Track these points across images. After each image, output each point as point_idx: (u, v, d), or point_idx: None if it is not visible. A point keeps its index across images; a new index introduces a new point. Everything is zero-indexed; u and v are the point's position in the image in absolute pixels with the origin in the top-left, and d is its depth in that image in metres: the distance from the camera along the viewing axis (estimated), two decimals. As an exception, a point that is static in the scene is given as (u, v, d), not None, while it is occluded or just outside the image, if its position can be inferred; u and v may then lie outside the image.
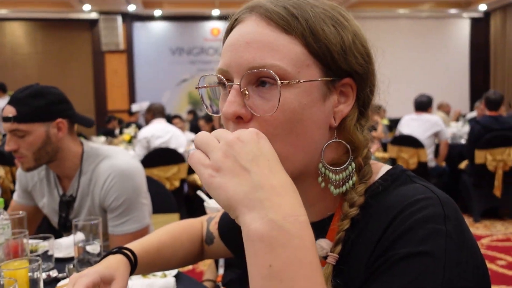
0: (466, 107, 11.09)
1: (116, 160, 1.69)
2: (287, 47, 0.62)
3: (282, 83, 0.60)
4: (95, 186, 1.67)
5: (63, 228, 1.72)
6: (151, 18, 10.63)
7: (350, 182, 0.67)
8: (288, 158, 0.62)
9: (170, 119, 6.62)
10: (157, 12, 10.40)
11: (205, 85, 0.70)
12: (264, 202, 0.51)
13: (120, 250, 0.86)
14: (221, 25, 11.06)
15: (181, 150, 4.39)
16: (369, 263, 0.60)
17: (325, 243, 0.67)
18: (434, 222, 0.57)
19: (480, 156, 4.59)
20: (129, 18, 10.34)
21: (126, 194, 1.64)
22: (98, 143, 5.68)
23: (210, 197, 1.58)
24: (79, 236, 1.30)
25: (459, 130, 6.21)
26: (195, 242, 1.02)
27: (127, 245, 0.90)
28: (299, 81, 0.61)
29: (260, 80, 0.62)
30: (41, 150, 1.59)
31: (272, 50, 0.62)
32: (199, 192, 1.63)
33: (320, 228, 0.70)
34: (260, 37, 0.62)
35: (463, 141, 5.54)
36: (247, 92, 0.62)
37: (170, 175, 4.16)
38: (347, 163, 0.67)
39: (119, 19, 10.03)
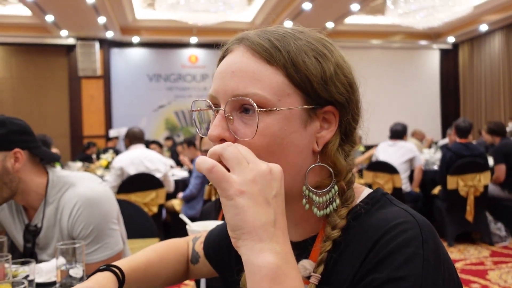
0: (437, 134, 11.41)
1: (81, 187, 1.65)
2: (269, 77, 0.66)
3: (260, 110, 0.65)
4: (61, 216, 1.62)
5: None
6: (129, 44, 10.66)
7: (334, 204, 0.70)
8: None
9: (147, 144, 6.59)
10: (135, 39, 10.45)
11: (196, 109, 0.75)
12: (274, 237, 0.57)
13: (108, 268, 0.87)
14: (199, 52, 11.18)
15: (159, 175, 4.36)
16: (352, 284, 0.63)
17: (308, 264, 0.70)
18: (412, 246, 0.61)
19: (452, 182, 4.72)
20: (107, 44, 10.34)
21: (94, 222, 1.60)
22: (74, 168, 5.60)
23: (192, 221, 1.59)
24: (61, 260, 1.29)
25: (431, 157, 6.38)
26: (181, 261, 1.03)
27: (114, 263, 0.90)
28: (277, 108, 0.66)
29: (243, 107, 0.67)
30: None
31: (254, 80, 0.66)
32: (182, 216, 1.64)
33: (302, 248, 0.73)
34: (245, 67, 0.67)
35: (435, 167, 5.69)
36: (231, 117, 0.67)
37: (148, 201, 4.13)
38: (330, 186, 0.70)
39: (97, 45, 10.03)
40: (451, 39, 11.55)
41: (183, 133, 11.15)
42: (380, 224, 0.65)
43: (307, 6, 8.29)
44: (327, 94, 0.69)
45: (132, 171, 4.29)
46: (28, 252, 1.68)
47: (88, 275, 0.88)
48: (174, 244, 1.05)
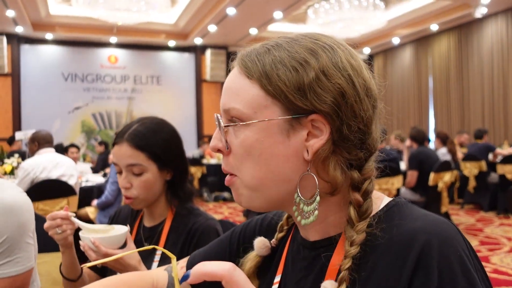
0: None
1: (1, 193, 1.49)
2: (247, 90, 0.70)
3: (238, 124, 0.70)
4: None
5: None
6: (42, 41, 10.00)
7: (316, 212, 0.67)
8: (260, 188, 0.70)
9: (66, 149, 6.19)
10: (49, 36, 9.82)
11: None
12: None
13: None
14: (119, 53, 10.76)
15: (72, 182, 4.06)
16: None
17: (329, 284, 0.65)
18: (460, 258, 0.60)
19: (368, 185, 4.92)
20: (16, 40, 9.62)
21: (9, 231, 1.43)
22: (-27, 174, 5.05)
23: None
24: None
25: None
26: None
27: None
28: (252, 121, 0.69)
29: (230, 121, 0.72)
30: None
31: (234, 95, 0.71)
32: (74, 218, 1.44)
33: (317, 248, 0.72)
34: (231, 84, 0.73)
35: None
36: (226, 130, 0.72)
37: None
38: (315, 195, 0.68)
39: (4, 40, 9.29)
40: (367, 50, 12.19)
41: (100, 136, 10.63)
42: (411, 235, 0.62)
43: (231, 11, 8.30)
44: (307, 103, 0.67)
45: (45, 177, 3.92)
46: None
47: None
48: (134, 278, 0.89)
